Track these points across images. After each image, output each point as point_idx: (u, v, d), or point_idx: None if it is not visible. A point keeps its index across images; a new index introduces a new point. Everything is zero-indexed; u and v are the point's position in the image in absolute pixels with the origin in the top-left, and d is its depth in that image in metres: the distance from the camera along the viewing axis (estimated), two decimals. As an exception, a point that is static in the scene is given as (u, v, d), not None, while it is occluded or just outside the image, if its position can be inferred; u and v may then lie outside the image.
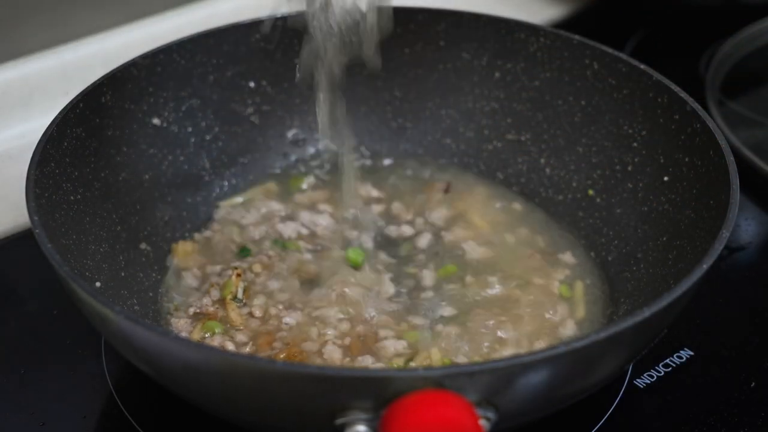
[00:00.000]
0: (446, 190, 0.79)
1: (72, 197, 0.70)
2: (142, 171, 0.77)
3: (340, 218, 0.80)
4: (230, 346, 0.69)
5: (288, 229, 0.79)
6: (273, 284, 0.74)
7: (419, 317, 0.72)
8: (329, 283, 0.74)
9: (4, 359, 0.73)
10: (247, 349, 0.69)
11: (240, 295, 0.73)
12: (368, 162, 0.85)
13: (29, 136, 0.86)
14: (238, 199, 0.81)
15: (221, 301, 0.73)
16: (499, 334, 0.71)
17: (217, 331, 0.70)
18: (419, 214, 0.81)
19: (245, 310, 0.72)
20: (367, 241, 0.78)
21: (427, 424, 0.52)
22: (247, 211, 0.80)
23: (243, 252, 0.77)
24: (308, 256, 0.77)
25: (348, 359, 0.68)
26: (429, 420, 0.52)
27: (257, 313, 0.72)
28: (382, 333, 0.70)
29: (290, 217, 0.80)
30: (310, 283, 0.75)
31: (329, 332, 0.70)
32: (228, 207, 0.81)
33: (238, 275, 0.74)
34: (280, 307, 0.72)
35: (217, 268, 0.76)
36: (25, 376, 0.71)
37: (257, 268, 0.75)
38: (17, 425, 0.68)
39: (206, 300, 0.73)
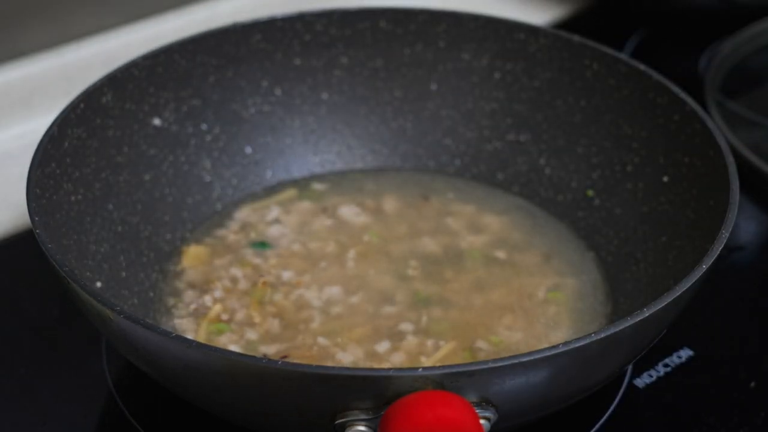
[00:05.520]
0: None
1: (73, 197, 0.70)
2: (142, 171, 0.77)
3: (351, 218, 0.80)
4: (235, 346, 0.70)
5: (306, 228, 0.79)
6: (291, 276, 0.75)
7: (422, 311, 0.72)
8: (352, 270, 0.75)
9: (4, 359, 0.73)
10: (269, 348, 0.70)
11: (267, 297, 0.73)
12: (369, 163, 0.86)
13: (30, 136, 0.86)
14: (249, 202, 0.82)
15: (224, 299, 0.73)
16: (498, 333, 0.71)
17: (223, 330, 0.71)
18: (420, 215, 0.81)
19: (267, 308, 0.72)
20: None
21: (427, 424, 0.52)
22: (259, 213, 0.81)
23: (260, 246, 0.77)
24: (329, 248, 0.78)
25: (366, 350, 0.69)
26: (429, 420, 0.52)
27: (279, 307, 0.72)
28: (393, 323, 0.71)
29: (304, 218, 0.81)
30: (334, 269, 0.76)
31: (350, 322, 0.71)
32: (243, 209, 0.81)
33: (264, 283, 0.74)
34: (301, 296, 0.73)
35: (222, 263, 0.76)
36: (25, 376, 0.71)
37: (273, 261, 0.76)
38: (17, 425, 0.68)
39: (208, 298, 0.73)
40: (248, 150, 0.83)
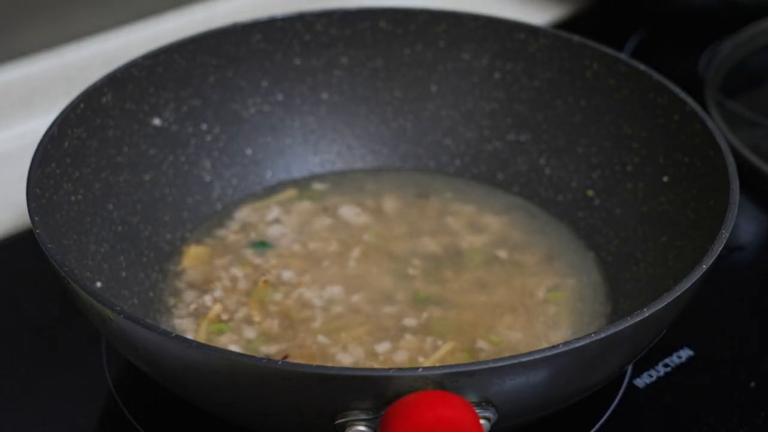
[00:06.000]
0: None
1: (73, 197, 0.70)
2: (142, 171, 0.77)
3: (353, 218, 0.80)
4: (235, 346, 0.70)
5: (307, 227, 0.79)
6: (291, 275, 0.75)
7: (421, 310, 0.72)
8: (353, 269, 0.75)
9: (4, 359, 0.73)
10: (269, 348, 0.70)
11: (268, 297, 0.73)
12: (369, 163, 0.86)
13: (30, 136, 0.86)
14: (249, 202, 0.82)
15: (224, 299, 0.73)
16: (498, 333, 0.71)
17: (223, 330, 0.71)
18: (419, 216, 0.81)
19: (267, 308, 0.73)
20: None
21: (427, 424, 0.52)
22: (259, 213, 0.81)
23: (260, 246, 0.77)
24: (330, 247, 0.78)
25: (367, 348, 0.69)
26: (429, 420, 0.52)
27: (280, 306, 0.72)
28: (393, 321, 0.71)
29: (304, 218, 0.81)
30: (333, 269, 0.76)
31: (351, 321, 0.71)
32: (243, 209, 0.81)
33: (266, 282, 0.74)
34: (301, 296, 0.73)
35: (222, 263, 0.76)
36: (25, 376, 0.71)
37: (273, 261, 0.76)
38: (17, 425, 0.68)
39: (208, 298, 0.73)
40: (248, 150, 0.83)
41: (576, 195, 0.80)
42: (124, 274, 0.72)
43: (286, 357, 0.69)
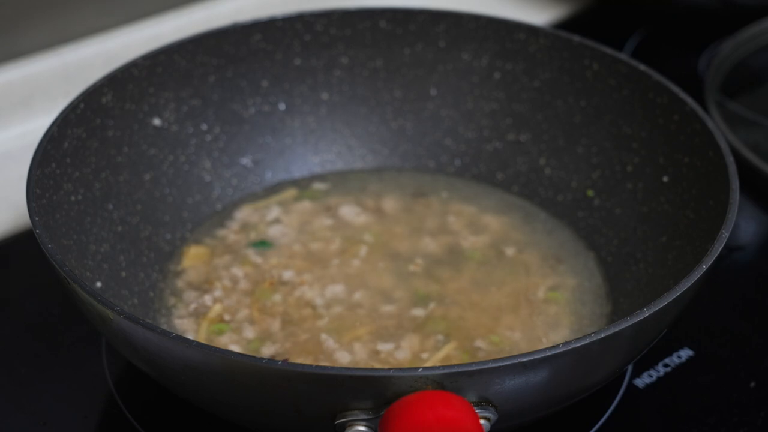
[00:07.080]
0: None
1: (72, 197, 0.70)
2: (142, 171, 0.77)
3: (352, 218, 0.80)
4: (235, 346, 0.70)
5: (308, 228, 0.79)
6: (292, 275, 0.75)
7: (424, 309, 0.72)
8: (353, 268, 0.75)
9: (4, 359, 0.73)
10: (269, 348, 0.70)
11: (268, 297, 0.73)
12: (369, 163, 0.86)
13: (30, 136, 0.86)
14: (249, 202, 0.82)
15: (225, 299, 0.73)
16: (498, 333, 0.71)
17: (224, 330, 0.71)
18: (420, 215, 0.81)
19: (267, 308, 0.73)
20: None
21: (427, 424, 0.52)
22: (259, 213, 0.81)
23: (261, 245, 0.77)
24: (331, 247, 0.78)
25: (369, 350, 0.69)
26: (429, 420, 0.52)
27: (280, 306, 0.72)
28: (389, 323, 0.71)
29: (305, 218, 0.81)
30: (333, 268, 0.76)
31: (353, 319, 0.71)
32: (243, 209, 0.81)
33: (271, 283, 0.74)
34: (302, 295, 0.73)
35: (222, 263, 0.76)
36: (25, 376, 0.71)
37: (274, 261, 0.76)
38: (17, 425, 0.68)
39: (208, 298, 0.73)
40: (248, 150, 0.83)
41: (576, 195, 0.80)
42: (124, 274, 0.72)
43: (287, 360, 0.68)
